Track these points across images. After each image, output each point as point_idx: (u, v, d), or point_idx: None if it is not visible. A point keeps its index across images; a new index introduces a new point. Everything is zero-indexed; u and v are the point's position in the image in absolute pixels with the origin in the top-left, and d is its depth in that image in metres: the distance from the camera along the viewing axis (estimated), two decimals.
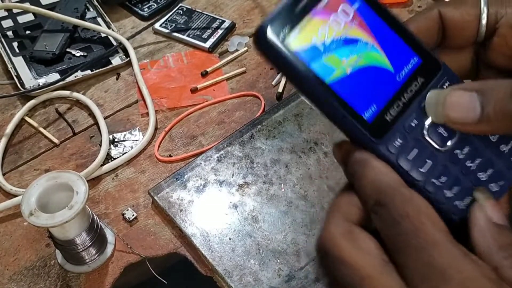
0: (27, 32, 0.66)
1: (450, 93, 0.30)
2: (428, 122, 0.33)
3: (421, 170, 0.32)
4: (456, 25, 0.32)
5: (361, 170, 0.30)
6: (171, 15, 0.67)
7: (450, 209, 0.32)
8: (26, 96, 0.58)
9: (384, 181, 0.29)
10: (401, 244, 0.26)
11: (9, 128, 0.55)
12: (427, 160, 0.33)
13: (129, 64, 0.62)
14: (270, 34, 0.32)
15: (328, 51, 0.33)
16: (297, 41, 0.32)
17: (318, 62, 0.33)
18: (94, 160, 0.50)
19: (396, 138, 0.33)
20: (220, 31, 0.65)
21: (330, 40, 0.33)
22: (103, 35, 0.65)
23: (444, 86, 0.33)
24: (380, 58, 0.35)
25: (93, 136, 0.55)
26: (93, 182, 0.50)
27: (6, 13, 0.68)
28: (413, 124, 0.33)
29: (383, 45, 0.35)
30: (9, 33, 0.66)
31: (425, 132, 0.33)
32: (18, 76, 0.60)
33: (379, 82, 0.34)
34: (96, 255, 0.44)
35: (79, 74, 0.60)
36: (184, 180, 0.48)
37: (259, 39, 0.32)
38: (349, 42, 0.34)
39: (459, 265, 0.25)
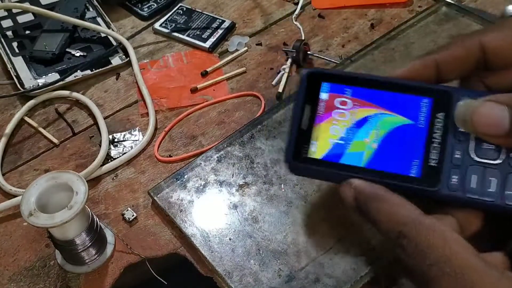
0: (27, 32, 0.66)
1: (480, 104, 0.30)
2: (471, 146, 0.34)
3: (491, 190, 0.32)
4: (503, 49, 0.32)
5: (376, 205, 0.31)
6: (171, 15, 0.67)
7: None
8: (25, 96, 0.58)
9: (402, 213, 0.29)
10: (434, 273, 0.26)
11: (9, 128, 0.55)
12: (491, 179, 0.33)
13: (129, 64, 0.62)
14: (296, 160, 0.36)
15: (348, 141, 0.36)
16: (319, 150, 0.36)
17: (345, 155, 0.35)
18: (94, 160, 0.50)
19: (451, 176, 0.33)
20: (220, 31, 0.65)
21: (344, 132, 0.36)
22: (103, 35, 0.65)
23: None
24: (394, 119, 0.36)
25: (93, 136, 0.55)
26: (92, 182, 0.50)
27: (5, 13, 0.68)
28: (458, 156, 0.34)
29: (390, 108, 0.36)
30: (9, 33, 0.66)
31: (473, 156, 0.33)
32: (17, 76, 0.60)
33: (406, 139, 0.35)
34: (96, 255, 0.44)
35: (79, 74, 0.60)
36: (184, 180, 0.48)
37: (291, 169, 0.37)
38: (361, 123, 0.36)
39: (500, 285, 0.25)
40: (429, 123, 0.35)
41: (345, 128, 0.36)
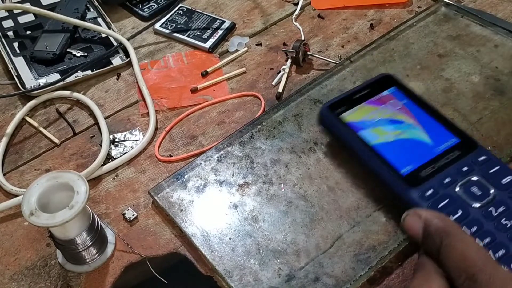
0: (28, 32, 0.66)
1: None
2: (462, 182, 0.39)
3: (452, 217, 0.37)
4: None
5: (449, 241, 0.32)
6: (171, 16, 0.68)
7: None
8: (26, 96, 0.59)
9: (477, 256, 0.30)
10: None
11: (10, 128, 0.55)
12: (459, 210, 0.37)
13: (129, 64, 0.62)
14: (328, 110, 0.45)
15: (374, 125, 0.43)
16: (350, 117, 0.45)
17: (365, 131, 0.44)
18: (95, 160, 0.51)
19: (429, 188, 0.39)
20: (220, 32, 0.65)
21: (378, 119, 0.44)
22: (103, 35, 0.65)
23: (480, 159, 0.40)
24: (420, 134, 0.42)
25: (94, 136, 0.55)
26: (93, 182, 0.50)
27: (6, 14, 0.68)
28: (446, 181, 0.39)
29: (424, 126, 0.43)
30: (10, 33, 0.66)
31: (457, 188, 0.38)
32: (18, 76, 0.60)
33: (418, 150, 0.41)
34: (97, 254, 0.44)
35: (80, 74, 0.60)
36: (184, 180, 0.48)
37: (322, 113, 0.46)
38: (395, 122, 0.44)
39: None
40: (444, 151, 0.41)
41: (380, 118, 0.44)
